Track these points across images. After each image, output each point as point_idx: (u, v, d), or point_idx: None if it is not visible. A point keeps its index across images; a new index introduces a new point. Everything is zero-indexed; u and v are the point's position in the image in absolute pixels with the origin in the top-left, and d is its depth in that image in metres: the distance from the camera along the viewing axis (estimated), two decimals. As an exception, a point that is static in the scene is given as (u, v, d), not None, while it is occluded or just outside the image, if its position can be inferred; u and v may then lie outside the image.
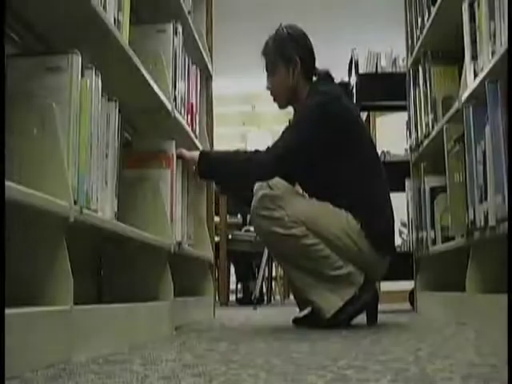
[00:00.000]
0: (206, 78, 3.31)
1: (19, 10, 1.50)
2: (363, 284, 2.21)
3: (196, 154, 2.33)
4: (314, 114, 2.26)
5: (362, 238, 2.21)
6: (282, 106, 2.47)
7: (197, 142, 2.71)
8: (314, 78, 2.43)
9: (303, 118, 2.30)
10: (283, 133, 2.31)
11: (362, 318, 2.27)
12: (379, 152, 3.74)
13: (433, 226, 2.90)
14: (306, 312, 2.35)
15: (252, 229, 4.54)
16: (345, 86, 2.46)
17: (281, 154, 2.23)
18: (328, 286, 2.19)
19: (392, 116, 6.10)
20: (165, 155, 2.17)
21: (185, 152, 2.31)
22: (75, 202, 1.34)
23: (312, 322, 2.23)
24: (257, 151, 2.27)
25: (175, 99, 2.31)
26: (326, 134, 2.24)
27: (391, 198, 2.38)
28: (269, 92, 2.46)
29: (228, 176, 2.33)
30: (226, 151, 2.42)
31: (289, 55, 2.37)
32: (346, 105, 2.34)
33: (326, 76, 2.42)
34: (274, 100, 2.46)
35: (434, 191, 2.92)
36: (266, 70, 2.44)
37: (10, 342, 1.01)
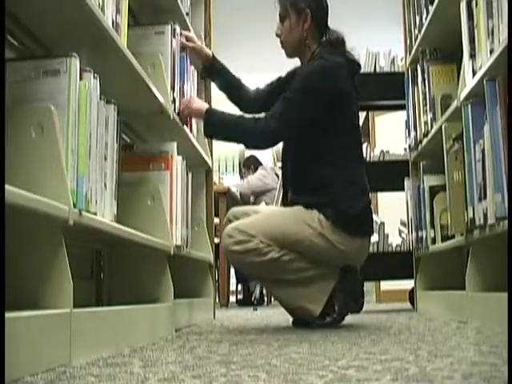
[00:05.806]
0: (205, 80, 3.30)
1: (17, 14, 1.51)
2: (342, 272, 2.24)
3: (203, 106, 2.40)
4: (309, 82, 2.27)
5: (335, 233, 2.22)
6: (288, 55, 2.48)
7: (196, 143, 2.71)
8: (324, 39, 2.41)
9: (299, 87, 2.29)
10: (282, 99, 2.30)
11: (362, 316, 2.27)
12: (378, 151, 3.76)
13: (432, 225, 2.90)
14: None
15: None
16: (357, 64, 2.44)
17: (280, 127, 2.27)
18: (310, 286, 2.21)
19: (391, 115, 6.10)
20: (164, 157, 2.17)
21: (193, 101, 2.44)
22: (74, 205, 1.34)
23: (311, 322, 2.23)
24: (257, 119, 2.31)
25: (174, 101, 2.31)
26: (316, 106, 2.26)
27: (368, 185, 2.37)
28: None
29: (229, 138, 2.39)
30: (231, 114, 2.40)
31: (301, 7, 2.37)
32: (338, 79, 2.29)
33: (336, 44, 2.39)
34: (282, 47, 2.46)
35: (434, 190, 2.93)
36: (279, 16, 2.43)
37: (10, 346, 1.01)
